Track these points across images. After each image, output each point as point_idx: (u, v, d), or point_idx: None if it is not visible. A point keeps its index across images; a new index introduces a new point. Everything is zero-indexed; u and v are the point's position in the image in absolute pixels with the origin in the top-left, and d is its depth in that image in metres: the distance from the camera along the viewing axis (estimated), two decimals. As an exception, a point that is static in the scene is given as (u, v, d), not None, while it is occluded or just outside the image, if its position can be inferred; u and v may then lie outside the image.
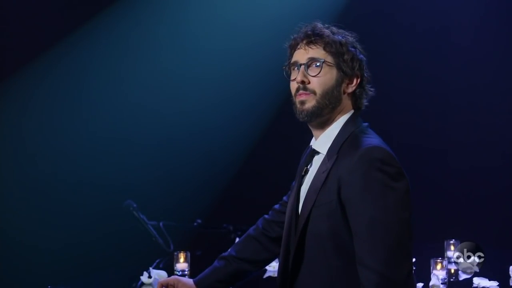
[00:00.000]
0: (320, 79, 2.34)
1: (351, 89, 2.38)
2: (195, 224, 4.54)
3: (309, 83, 2.35)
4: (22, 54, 4.96)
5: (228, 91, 5.28)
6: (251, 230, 2.78)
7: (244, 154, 5.37)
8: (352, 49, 2.38)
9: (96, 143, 5.13)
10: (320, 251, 2.28)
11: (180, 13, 5.25)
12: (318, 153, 2.39)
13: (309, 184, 2.36)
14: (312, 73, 2.35)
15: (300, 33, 2.41)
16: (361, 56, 2.41)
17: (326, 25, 2.42)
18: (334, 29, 2.42)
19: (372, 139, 2.29)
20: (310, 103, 2.34)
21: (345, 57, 2.36)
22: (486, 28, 5.12)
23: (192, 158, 5.32)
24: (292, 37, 2.44)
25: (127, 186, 5.00)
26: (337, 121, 2.38)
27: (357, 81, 2.39)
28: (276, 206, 2.78)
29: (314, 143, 2.41)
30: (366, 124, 2.41)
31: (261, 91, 5.17)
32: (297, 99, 2.37)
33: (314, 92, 2.34)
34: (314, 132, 2.43)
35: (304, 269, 2.32)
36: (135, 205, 4.24)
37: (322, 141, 2.38)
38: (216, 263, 2.74)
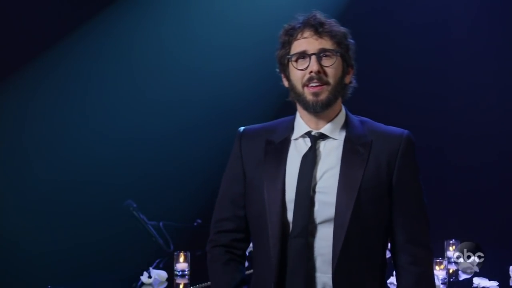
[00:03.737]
0: (333, 70, 2.36)
1: (348, 80, 2.42)
2: (195, 224, 4.54)
3: (323, 73, 2.35)
4: (22, 53, 4.96)
5: (228, 91, 5.28)
6: (218, 257, 2.51)
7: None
8: (351, 40, 2.42)
9: (96, 143, 5.12)
10: (363, 237, 2.31)
11: (184, 9, 5.24)
12: (325, 138, 2.39)
13: (334, 169, 2.34)
14: (326, 63, 2.35)
15: (303, 23, 2.40)
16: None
17: (325, 15, 2.42)
18: (332, 19, 2.42)
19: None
20: (324, 94, 2.35)
21: (349, 48, 2.40)
22: (490, 25, 5.12)
23: (192, 158, 5.31)
24: (290, 26, 2.43)
25: (127, 186, 5.00)
26: (341, 110, 2.43)
27: (352, 72, 2.43)
28: (227, 225, 2.58)
29: (324, 128, 2.40)
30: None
31: (262, 90, 5.15)
32: (310, 91, 2.35)
33: (327, 83, 2.35)
34: (318, 121, 2.41)
35: (350, 256, 2.30)
36: (135, 205, 4.25)
37: (332, 128, 2.40)
38: None
